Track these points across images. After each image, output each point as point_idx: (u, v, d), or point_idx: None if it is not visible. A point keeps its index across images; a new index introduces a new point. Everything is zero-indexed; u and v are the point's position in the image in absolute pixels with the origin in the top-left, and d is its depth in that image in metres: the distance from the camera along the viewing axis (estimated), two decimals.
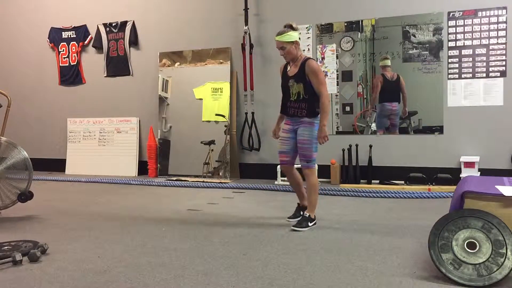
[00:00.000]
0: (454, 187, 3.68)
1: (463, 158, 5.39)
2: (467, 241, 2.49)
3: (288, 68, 3.89)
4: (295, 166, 3.99)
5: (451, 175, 5.44)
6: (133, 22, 7.17)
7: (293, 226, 3.78)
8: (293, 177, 3.98)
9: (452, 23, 5.51)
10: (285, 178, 3.97)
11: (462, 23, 5.47)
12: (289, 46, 3.76)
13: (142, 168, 7.09)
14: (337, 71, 6.07)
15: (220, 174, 6.49)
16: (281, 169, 4.00)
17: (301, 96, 3.76)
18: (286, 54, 3.79)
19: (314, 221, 3.85)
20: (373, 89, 5.93)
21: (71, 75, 7.64)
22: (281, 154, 3.94)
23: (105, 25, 7.34)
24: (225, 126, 6.52)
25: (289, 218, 4.04)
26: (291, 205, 4.00)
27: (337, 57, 6.06)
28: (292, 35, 3.75)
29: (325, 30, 6.10)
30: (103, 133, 7.42)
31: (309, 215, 3.83)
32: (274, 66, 6.21)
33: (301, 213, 3.97)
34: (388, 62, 5.81)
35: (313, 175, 3.81)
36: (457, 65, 5.52)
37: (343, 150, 5.96)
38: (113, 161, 7.27)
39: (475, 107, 5.48)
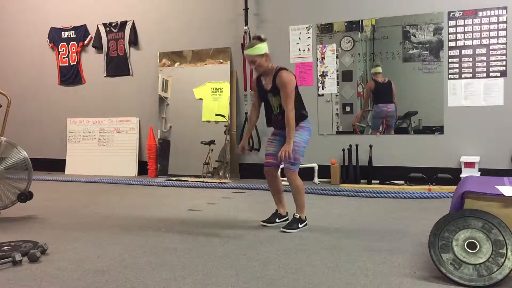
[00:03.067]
0: (454, 187, 3.67)
1: (463, 158, 5.39)
2: (467, 241, 2.49)
3: (263, 81, 3.80)
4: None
5: (451, 175, 5.44)
6: (133, 22, 7.16)
7: (283, 227, 3.76)
8: (275, 183, 3.92)
9: (452, 23, 5.51)
10: (284, 178, 3.92)
11: (462, 23, 5.46)
12: (259, 59, 3.67)
13: (142, 168, 7.08)
14: (337, 71, 6.06)
15: (220, 174, 6.49)
16: (264, 172, 3.92)
17: (283, 108, 3.66)
18: (257, 67, 3.71)
19: (305, 222, 3.82)
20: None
21: (71, 75, 7.63)
22: (267, 156, 3.87)
23: (105, 25, 7.33)
24: (225, 126, 6.52)
25: (264, 221, 3.95)
26: (291, 205, 3.99)
27: (337, 57, 6.05)
28: (261, 47, 3.67)
29: (325, 30, 6.09)
30: (103, 133, 7.41)
31: (299, 217, 3.79)
32: None
33: (276, 220, 3.93)
34: (379, 69, 5.84)
35: (295, 178, 3.73)
36: (457, 65, 5.52)
37: (343, 150, 5.96)
38: (113, 161, 7.27)
39: (475, 107, 5.48)
